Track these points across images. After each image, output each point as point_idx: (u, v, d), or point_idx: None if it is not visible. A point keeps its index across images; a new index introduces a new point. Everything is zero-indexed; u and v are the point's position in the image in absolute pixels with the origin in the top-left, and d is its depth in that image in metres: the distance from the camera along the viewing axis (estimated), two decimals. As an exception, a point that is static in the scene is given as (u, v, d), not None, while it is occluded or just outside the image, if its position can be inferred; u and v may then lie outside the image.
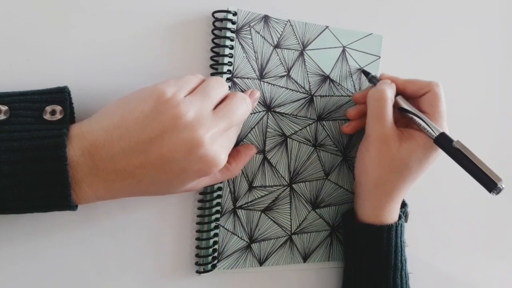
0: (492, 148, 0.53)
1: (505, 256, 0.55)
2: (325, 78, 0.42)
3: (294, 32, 0.40)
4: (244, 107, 0.33)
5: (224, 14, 0.37)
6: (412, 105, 0.40)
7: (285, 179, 0.41)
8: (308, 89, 0.41)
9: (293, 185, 0.42)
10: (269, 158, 0.40)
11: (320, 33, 0.41)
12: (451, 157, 0.36)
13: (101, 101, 0.36)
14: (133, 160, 0.28)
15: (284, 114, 0.41)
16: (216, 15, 0.37)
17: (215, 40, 0.37)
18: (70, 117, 0.29)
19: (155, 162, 0.28)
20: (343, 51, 0.42)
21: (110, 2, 0.35)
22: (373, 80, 0.41)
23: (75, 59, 0.35)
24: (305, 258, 0.43)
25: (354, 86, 0.43)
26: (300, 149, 0.42)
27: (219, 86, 0.32)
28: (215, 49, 0.37)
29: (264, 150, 0.40)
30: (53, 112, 0.29)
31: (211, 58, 0.37)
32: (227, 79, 0.37)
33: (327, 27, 0.41)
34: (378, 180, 0.39)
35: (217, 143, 0.30)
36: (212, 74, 0.38)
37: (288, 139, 0.41)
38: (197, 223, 0.38)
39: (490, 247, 0.54)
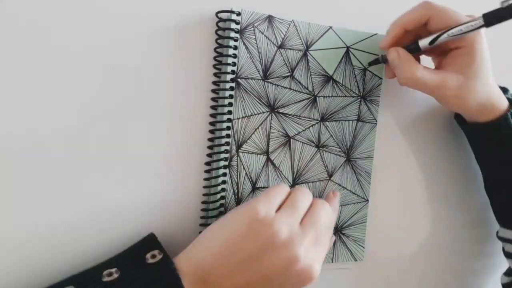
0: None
1: None
2: (328, 78, 0.42)
3: (298, 33, 0.40)
4: (326, 212, 0.36)
5: (228, 14, 0.37)
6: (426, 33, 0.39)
7: (288, 180, 0.41)
8: (311, 90, 0.41)
9: (296, 186, 0.41)
10: (272, 159, 0.40)
11: (324, 33, 0.41)
12: (509, 17, 0.34)
13: (106, 102, 0.35)
14: (238, 280, 0.31)
15: (287, 115, 0.40)
16: (220, 15, 0.37)
17: (218, 41, 0.37)
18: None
19: (258, 280, 0.31)
20: (347, 51, 0.42)
21: (115, 4, 0.35)
22: (385, 58, 0.41)
23: (78, 60, 0.34)
24: (308, 259, 0.43)
25: (358, 86, 0.43)
26: (303, 150, 0.41)
27: (304, 197, 0.35)
28: (218, 50, 0.37)
29: (267, 151, 0.40)
30: (153, 256, 0.32)
31: (215, 58, 0.37)
32: (231, 79, 0.37)
33: (330, 27, 0.41)
34: (470, 106, 0.40)
35: (311, 255, 0.33)
36: (215, 74, 0.38)
37: (291, 140, 0.41)
38: (201, 225, 0.38)
39: None
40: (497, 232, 0.49)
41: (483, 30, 0.37)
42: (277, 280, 0.32)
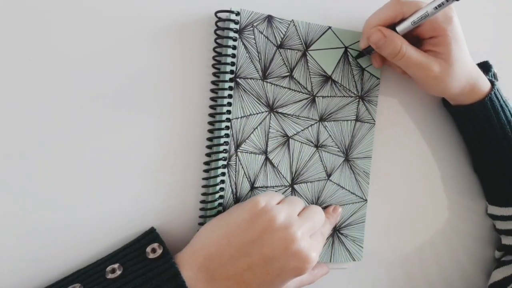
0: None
1: None
2: (327, 78, 0.42)
3: (297, 32, 0.40)
4: (320, 214, 0.39)
5: (227, 14, 0.37)
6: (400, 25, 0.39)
7: (286, 180, 0.41)
8: (310, 90, 0.41)
9: (295, 186, 0.42)
10: (271, 158, 0.40)
11: (323, 33, 0.41)
12: None
13: (105, 102, 0.35)
14: (241, 263, 0.32)
15: (286, 115, 0.40)
16: (219, 15, 0.37)
17: (217, 40, 0.37)
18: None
19: (259, 263, 0.32)
20: (345, 51, 0.42)
21: (115, 4, 0.35)
22: (369, 49, 0.41)
23: (77, 61, 0.34)
24: (306, 259, 0.43)
25: (356, 86, 0.43)
26: (302, 149, 0.41)
27: (299, 200, 0.38)
28: (217, 49, 0.37)
29: (266, 150, 0.40)
30: (153, 250, 0.34)
31: (214, 58, 0.37)
32: (230, 79, 0.37)
33: (329, 27, 0.41)
34: (451, 89, 0.41)
35: (307, 241, 0.34)
36: (214, 74, 0.38)
37: (290, 139, 0.41)
38: (199, 224, 0.38)
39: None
40: (486, 210, 0.51)
41: (456, 18, 0.38)
42: (277, 263, 0.33)
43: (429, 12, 0.37)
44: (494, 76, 0.47)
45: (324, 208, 0.43)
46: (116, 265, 0.33)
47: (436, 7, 0.36)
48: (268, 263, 0.33)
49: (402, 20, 0.39)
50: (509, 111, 0.44)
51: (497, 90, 0.44)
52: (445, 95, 0.44)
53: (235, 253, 0.32)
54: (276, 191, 0.41)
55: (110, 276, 0.32)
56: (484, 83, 0.43)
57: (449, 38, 0.39)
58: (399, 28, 0.39)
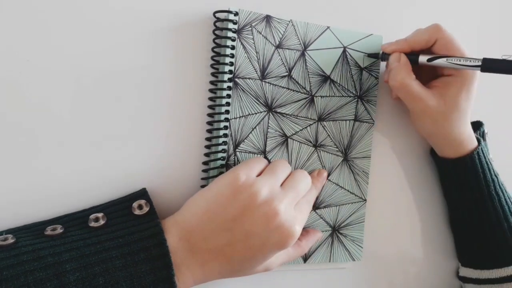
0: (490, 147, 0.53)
1: None
2: (325, 78, 0.42)
3: (296, 32, 0.40)
4: (305, 180, 0.37)
5: (225, 14, 0.37)
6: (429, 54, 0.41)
7: (285, 180, 0.41)
8: (308, 90, 0.41)
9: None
10: (269, 158, 0.40)
11: (322, 33, 0.41)
12: (505, 72, 0.36)
13: (105, 103, 0.35)
14: (222, 238, 0.32)
15: (285, 115, 0.40)
16: (217, 15, 0.37)
17: (216, 40, 0.37)
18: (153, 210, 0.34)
19: (240, 238, 0.32)
20: (344, 51, 0.42)
21: (112, 3, 0.35)
22: (385, 57, 0.42)
23: (77, 61, 0.34)
24: (305, 259, 0.43)
25: (355, 86, 0.43)
26: (301, 149, 0.42)
27: (283, 166, 0.37)
28: (216, 49, 0.37)
29: (264, 150, 0.40)
30: (140, 207, 0.33)
31: (212, 58, 0.37)
32: (228, 79, 0.37)
33: (328, 27, 0.41)
34: (441, 135, 0.42)
35: (290, 214, 0.34)
36: (213, 74, 0.38)
37: (288, 139, 0.41)
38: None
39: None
40: (457, 273, 0.49)
41: (478, 72, 0.38)
42: (258, 238, 0.32)
43: (453, 62, 0.38)
44: (483, 135, 0.47)
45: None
46: (100, 214, 0.32)
47: (460, 64, 0.38)
48: (249, 238, 0.32)
49: (432, 51, 0.40)
50: (493, 170, 0.44)
51: (483, 148, 0.44)
52: (432, 139, 0.44)
53: (216, 228, 0.32)
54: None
55: (92, 224, 0.32)
56: (472, 140, 0.43)
57: (463, 85, 0.39)
58: (421, 58, 0.40)
